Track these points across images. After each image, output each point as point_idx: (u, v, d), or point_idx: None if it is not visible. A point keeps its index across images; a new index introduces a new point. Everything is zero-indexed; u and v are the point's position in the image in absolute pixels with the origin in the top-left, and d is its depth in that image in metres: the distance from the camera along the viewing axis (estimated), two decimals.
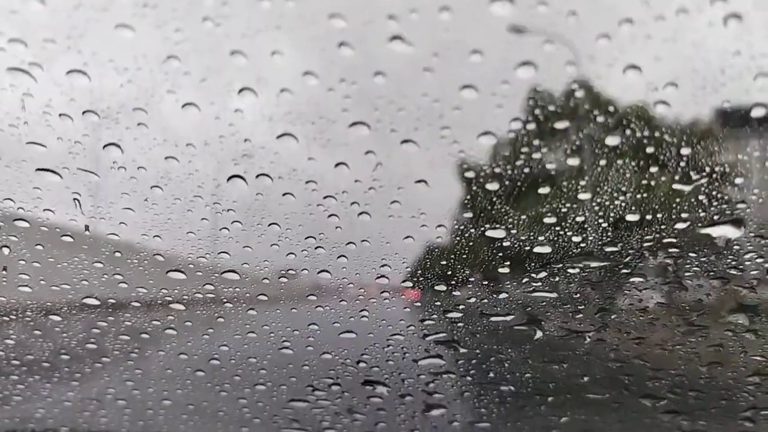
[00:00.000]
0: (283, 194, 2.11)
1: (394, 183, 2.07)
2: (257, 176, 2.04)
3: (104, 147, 2.00)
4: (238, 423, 2.38)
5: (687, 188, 1.75)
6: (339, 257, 2.25)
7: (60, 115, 1.99)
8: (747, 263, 1.80)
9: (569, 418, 2.14)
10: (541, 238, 2.05)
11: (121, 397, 2.51)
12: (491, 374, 2.23)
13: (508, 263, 2.13)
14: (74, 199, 2.17)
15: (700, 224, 1.77)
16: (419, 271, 2.33)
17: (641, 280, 1.90)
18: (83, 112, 1.97)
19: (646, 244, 1.88)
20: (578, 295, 2.04)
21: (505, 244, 2.10)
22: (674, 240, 1.81)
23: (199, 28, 1.80)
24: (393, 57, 1.72)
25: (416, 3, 1.63)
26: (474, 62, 1.70)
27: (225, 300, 2.56)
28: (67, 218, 2.22)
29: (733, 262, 1.80)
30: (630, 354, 2.07)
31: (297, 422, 2.26)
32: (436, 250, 2.32)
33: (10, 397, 2.60)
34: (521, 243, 2.07)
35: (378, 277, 2.31)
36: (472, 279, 2.25)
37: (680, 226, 1.80)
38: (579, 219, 2.01)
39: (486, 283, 2.23)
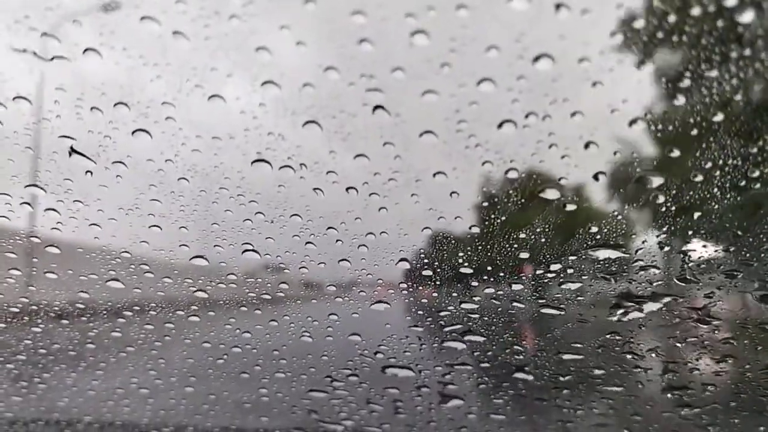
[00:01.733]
0: (305, 185, 2.22)
1: (413, 175, 2.16)
2: (280, 168, 2.16)
3: (133, 133, 2.12)
4: (257, 413, 2.48)
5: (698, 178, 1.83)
6: (359, 247, 2.35)
7: (91, 108, 2.12)
8: (761, 256, 1.86)
9: (584, 411, 2.21)
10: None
11: (144, 387, 2.62)
12: (507, 366, 2.30)
13: (524, 254, 2.21)
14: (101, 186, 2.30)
15: (712, 216, 1.84)
16: (436, 263, 2.42)
17: (655, 272, 1.97)
18: (114, 105, 2.09)
19: (659, 237, 1.95)
20: (592, 287, 2.12)
21: (521, 235, 2.19)
22: (684, 233, 1.88)
23: (227, 25, 1.92)
24: (411, 53, 1.82)
25: (434, 1, 1.73)
26: (491, 57, 1.80)
27: (247, 290, 2.67)
28: (95, 208, 2.35)
29: (746, 255, 1.86)
30: (644, 347, 2.14)
31: (315, 413, 2.36)
32: (453, 241, 2.40)
33: (36, 385, 2.73)
34: (537, 234, 2.15)
35: (398, 262, 2.41)
36: (488, 269, 2.33)
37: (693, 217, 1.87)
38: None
39: (501, 274, 2.30)
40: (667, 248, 1.94)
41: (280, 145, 2.13)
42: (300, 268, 2.47)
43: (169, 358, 2.71)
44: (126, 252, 2.50)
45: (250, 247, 2.38)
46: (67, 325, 2.75)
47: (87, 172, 2.24)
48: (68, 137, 2.18)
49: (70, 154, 2.19)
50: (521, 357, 2.38)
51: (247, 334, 2.58)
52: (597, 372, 2.21)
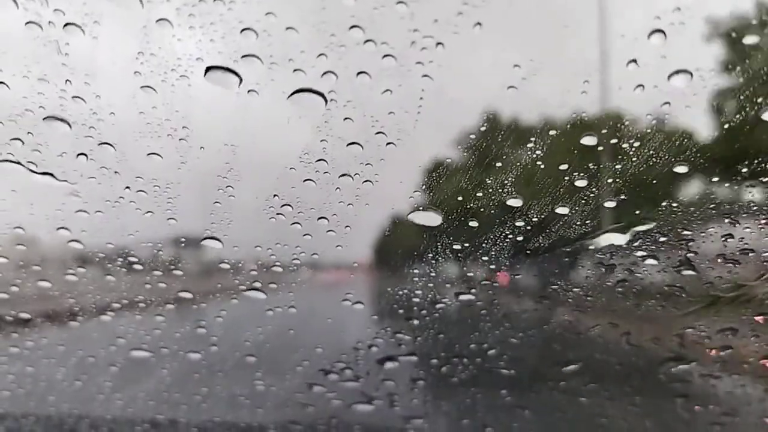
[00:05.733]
0: (295, 175, 2.24)
1: (406, 166, 2.20)
2: (270, 158, 2.19)
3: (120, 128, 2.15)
4: (252, 407, 2.52)
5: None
6: (352, 236, 2.38)
7: (73, 97, 2.14)
8: (758, 246, 1.89)
9: (583, 401, 2.26)
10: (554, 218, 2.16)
11: (135, 381, 2.67)
12: (505, 357, 2.33)
13: (521, 245, 2.24)
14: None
15: (710, 207, 1.87)
16: (430, 255, 2.45)
17: (653, 262, 2.00)
18: (96, 96, 2.12)
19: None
20: (590, 279, 2.15)
21: (518, 223, 2.21)
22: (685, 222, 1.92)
23: (211, 10, 1.95)
24: (401, 39, 1.85)
25: None
26: (483, 43, 1.83)
27: (238, 282, 2.71)
28: (81, 201, 2.37)
29: (745, 246, 1.90)
30: (642, 338, 2.17)
31: (312, 406, 2.39)
32: (446, 232, 2.43)
33: (25, 379, 2.77)
34: (533, 224, 2.18)
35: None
36: (484, 259, 2.36)
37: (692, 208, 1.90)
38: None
39: (493, 266, 2.34)
40: (664, 238, 1.98)
41: (270, 134, 2.16)
42: (293, 259, 2.50)
43: (160, 352, 2.75)
44: (110, 244, 2.53)
45: (240, 239, 2.41)
46: (56, 319, 2.79)
47: (77, 154, 2.26)
48: (59, 119, 2.20)
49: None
50: (519, 348, 2.42)
51: (239, 326, 2.62)
52: (595, 363, 2.25)
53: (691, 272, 1.90)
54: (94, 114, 2.16)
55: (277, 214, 2.35)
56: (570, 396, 2.26)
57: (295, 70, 2.00)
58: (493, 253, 2.32)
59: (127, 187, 2.34)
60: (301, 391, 2.43)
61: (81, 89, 2.12)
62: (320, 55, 1.96)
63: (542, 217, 2.19)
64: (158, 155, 2.25)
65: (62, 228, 2.42)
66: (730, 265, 1.83)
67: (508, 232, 2.27)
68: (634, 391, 2.22)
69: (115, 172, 2.30)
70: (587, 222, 2.13)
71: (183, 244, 2.62)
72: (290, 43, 1.93)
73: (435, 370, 2.35)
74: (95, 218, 2.40)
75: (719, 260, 1.81)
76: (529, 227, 2.21)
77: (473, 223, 2.28)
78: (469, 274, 2.43)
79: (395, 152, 2.13)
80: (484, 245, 2.34)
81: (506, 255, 2.31)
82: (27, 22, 2.00)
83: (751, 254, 1.83)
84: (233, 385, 2.63)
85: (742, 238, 1.85)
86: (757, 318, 1.94)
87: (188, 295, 2.64)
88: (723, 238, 1.82)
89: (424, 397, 2.29)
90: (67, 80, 2.13)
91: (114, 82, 2.10)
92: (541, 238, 2.23)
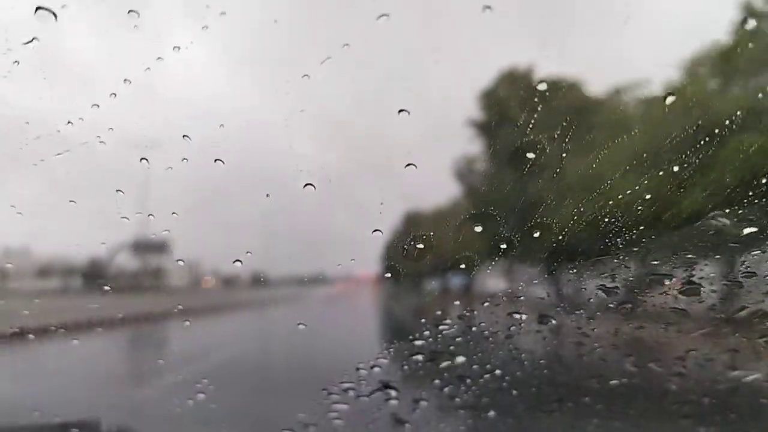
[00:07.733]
0: (295, 190, 2.26)
1: (410, 182, 2.23)
2: (264, 173, 2.21)
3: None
4: (252, 428, 2.53)
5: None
6: (356, 252, 2.41)
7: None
8: (762, 269, 1.94)
9: (586, 422, 2.29)
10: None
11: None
12: (507, 378, 2.35)
13: (522, 260, 2.28)
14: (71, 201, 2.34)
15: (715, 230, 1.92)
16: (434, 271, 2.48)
17: (656, 285, 2.05)
18: (92, 105, 2.13)
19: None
20: (593, 300, 2.20)
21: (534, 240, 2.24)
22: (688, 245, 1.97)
23: (207, 21, 1.98)
24: (393, 48, 1.89)
25: None
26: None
27: (233, 297, 2.73)
28: (70, 208, 2.37)
29: (748, 269, 1.95)
30: (645, 359, 2.21)
31: (314, 426, 2.40)
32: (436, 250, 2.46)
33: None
34: (537, 246, 2.22)
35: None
36: (485, 271, 2.39)
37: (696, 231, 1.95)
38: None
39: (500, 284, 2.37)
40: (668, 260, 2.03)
41: (266, 146, 2.19)
42: (295, 272, 2.53)
43: (158, 377, 2.76)
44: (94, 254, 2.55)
45: (240, 256, 2.42)
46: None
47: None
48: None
49: None
50: (523, 369, 2.45)
51: (236, 340, 2.64)
52: (599, 384, 2.28)
53: (694, 295, 1.95)
54: (80, 120, 2.17)
55: (274, 229, 2.38)
56: (575, 415, 2.28)
57: (300, 84, 2.03)
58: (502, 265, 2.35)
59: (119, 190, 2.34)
60: (303, 411, 2.44)
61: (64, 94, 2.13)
62: (325, 59, 1.99)
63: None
64: (148, 163, 2.25)
65: (39, 236, 2.43)
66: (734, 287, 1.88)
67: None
68: (638, 412, 2.25)
69: (100, 182, 2.31)
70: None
71: (178, 260, 2.64)
72: (290, 52, 1.97)
73: (437, 390, 2.37)
74: (80, 227, 2.40)
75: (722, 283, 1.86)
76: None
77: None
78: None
79: (404, 171, 2.16)
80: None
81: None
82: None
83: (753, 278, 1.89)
84: (233, 401, 2.64)
85: (744, 261, 1.90)
86: (759, 340, 1.99)
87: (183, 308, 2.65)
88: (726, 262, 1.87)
89: (427, 420, 2.30)
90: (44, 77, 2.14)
91: (100, 89, 2.12)
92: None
